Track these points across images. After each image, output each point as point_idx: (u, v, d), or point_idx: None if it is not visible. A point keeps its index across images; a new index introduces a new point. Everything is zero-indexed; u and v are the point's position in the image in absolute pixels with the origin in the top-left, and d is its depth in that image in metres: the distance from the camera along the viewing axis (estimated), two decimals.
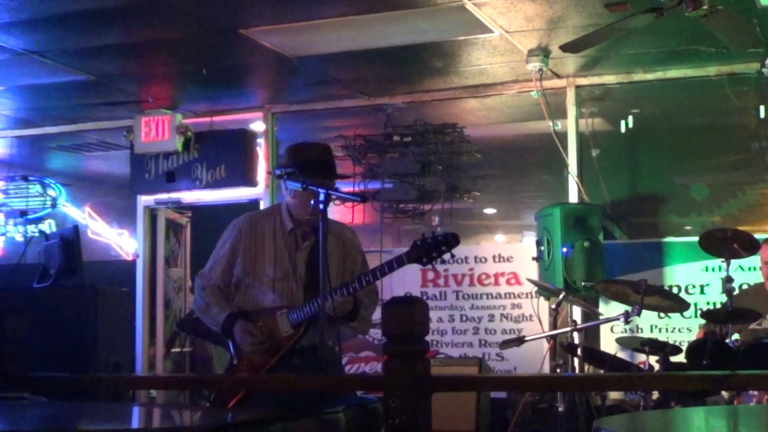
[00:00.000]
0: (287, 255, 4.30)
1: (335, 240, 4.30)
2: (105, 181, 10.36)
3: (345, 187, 7.94)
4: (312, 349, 4.17)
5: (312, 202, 4.14)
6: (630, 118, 8.04)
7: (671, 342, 5.97)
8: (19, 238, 9.13)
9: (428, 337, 3.21)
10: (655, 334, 6.95)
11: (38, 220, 9.15)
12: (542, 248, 6.85)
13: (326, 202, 4.01)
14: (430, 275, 7.75)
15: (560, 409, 5.95)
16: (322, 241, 3.92)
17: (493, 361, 7.44)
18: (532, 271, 7.14)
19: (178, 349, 6.63)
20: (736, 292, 5.96)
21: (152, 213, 8.67)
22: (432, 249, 4.10)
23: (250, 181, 8.20)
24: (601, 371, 5.90)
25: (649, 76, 7.44)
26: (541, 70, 7.11)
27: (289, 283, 4.28)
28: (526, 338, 6.12)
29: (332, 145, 8.18)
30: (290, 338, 4.22)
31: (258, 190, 8.22)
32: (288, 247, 4.32)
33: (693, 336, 6.72)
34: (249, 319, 4.27)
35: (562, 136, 7.54)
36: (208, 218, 8.43)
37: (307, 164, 4.24)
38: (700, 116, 8.37)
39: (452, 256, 4.19)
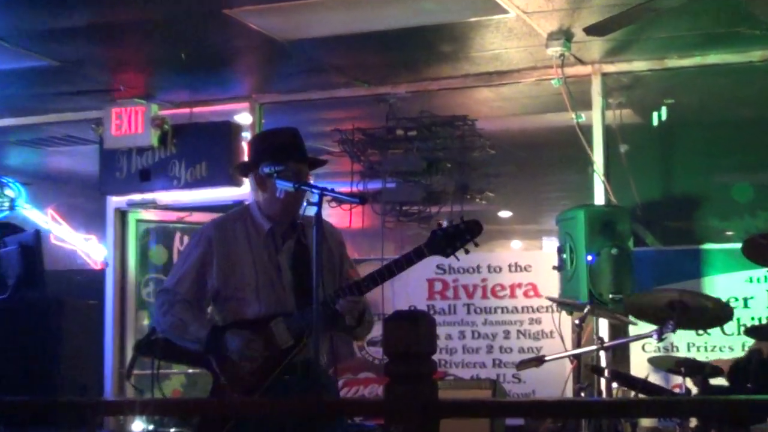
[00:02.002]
0: (268, 259, 4.30)
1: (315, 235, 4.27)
2: (70, 180, 10.36)
3: (342, 187, 7.93)
4: (305, 364, 4.16)
5: (305, 203, 4.15)
6: (663, 110, 8.05)
7: (711, 362, 5.95)
8: None
9: (435, 357, 3.20)
10: (693, 354, 6.94)
11: None
12: (564, 256, 6.84)
13: (320, 204, 4.01)
14: (438, 286, 7.74)
15: None
16: (317, 248, 3.91)
17: (509, 384, 7.43)
18: (552, 281, 7.13)
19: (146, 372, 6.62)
20: None
21: (123, 216, 8.67)
22: (454, 238, 4.12)
23: (234, 180, 8.19)
24: (632, 395, 5.89)
25: (685, 62, 7.43)
26: (562, 55, 7.11)
27: (275, 290, 4.27)
28: (547, 358, 6.10)
29: (328, 141, 8.34)
30: (289, 351, 4.20)
31: (243, 191, 8.19)
32: (267, 249, 4.31)
33: (735, 355, 6.70)
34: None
35: (587, 130, 7.53)
36: None
37: (276, 149, 4.27)
38: (743, 107, 8.36)
39: (476, 245, 4.18)
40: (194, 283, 4.31)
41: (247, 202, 4.54)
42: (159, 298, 4.40)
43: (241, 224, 4.36)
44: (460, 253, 4.18)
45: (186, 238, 8.58)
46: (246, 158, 5.01)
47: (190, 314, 4.29)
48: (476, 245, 4.16)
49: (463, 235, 4.12)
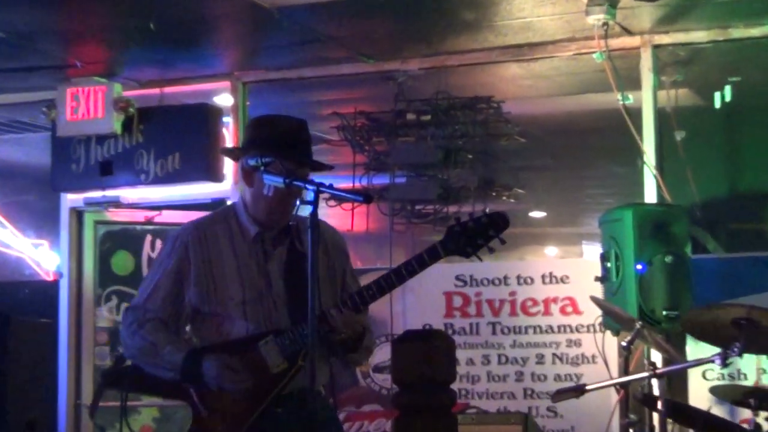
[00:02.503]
0: (256, 268, 4.31)
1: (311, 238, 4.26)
2: (17, 175, 10.37)
3: (342, 182, 7.92)
4: (301, 393, 4.14)
5: (297, 202, 4.14)
6: (727, 89, 8.03)
7: None
8: None
9: (455, 385, 3.19)
10: (764, 382, 6.92)
11: None
12: (609, 265, 6.84)
13: (317, 203, 3.99)
14: (458, 301, 7.73)
15: None
16: (312, 255, 3.90)
17: (544, 418, 7.43)
18: (595, 295, 7.11)
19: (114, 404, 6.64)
20: None
21: (80, 217, 8.67)
22: (476, 234, 4.12)
23: (213, 174, 8.21)
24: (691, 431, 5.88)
25: (753, 32, 7.41)
26: (606, 24, 7.09)
27: (264, 305, 4.28)
28: (588, 387, 6.09)
29: (326, 126, 8.34)
30: (282, 376, 4.20)
31: (224, 187, 8.22)
32: (255, 257, 4.33)
33: None
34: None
35: (636, 114, 7.52)
36: None
37: (270, 139, 4.26)
38: None
39: (502, 242, 4.16)
40: (168, 298, 4.33)
41: (231, 201, 4.54)
42: (127, 318, 4.41)
43: (224, 227, 4.37)
44: (484, 255, 4.18)
45: (159, 243, 8.57)
46: (239, 143, 4.99)
47: (163, 335, 4.30)
48: (503, 242, 4.15)
49: (486, 230, 4.12)
